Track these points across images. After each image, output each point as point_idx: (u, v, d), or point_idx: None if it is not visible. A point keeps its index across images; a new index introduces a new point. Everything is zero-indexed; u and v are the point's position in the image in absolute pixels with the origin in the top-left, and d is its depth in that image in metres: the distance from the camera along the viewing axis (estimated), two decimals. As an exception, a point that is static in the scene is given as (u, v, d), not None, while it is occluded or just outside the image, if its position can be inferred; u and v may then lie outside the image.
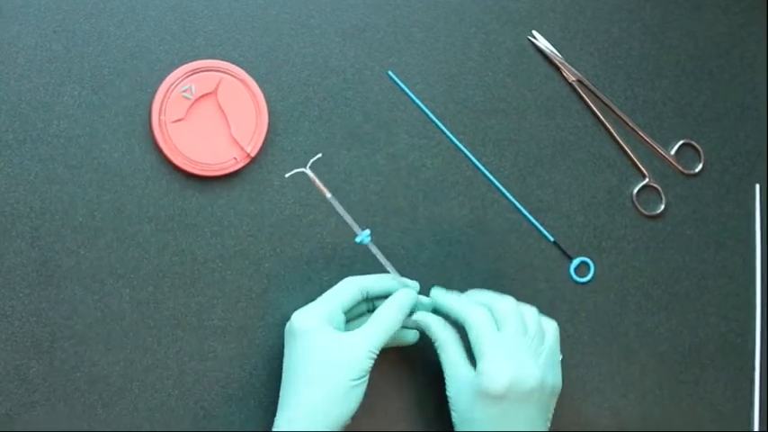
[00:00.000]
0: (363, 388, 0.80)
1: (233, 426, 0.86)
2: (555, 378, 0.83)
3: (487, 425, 0.79)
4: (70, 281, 0.84)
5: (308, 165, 0.81)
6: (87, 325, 0.84)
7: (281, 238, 0.88)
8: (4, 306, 0.83)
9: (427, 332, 0.84)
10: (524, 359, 0.80)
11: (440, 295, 0.84)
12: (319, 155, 0.83)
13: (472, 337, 0.81)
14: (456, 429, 0.82)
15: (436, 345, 0.83)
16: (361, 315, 0.86)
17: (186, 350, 0.86)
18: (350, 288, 0.83)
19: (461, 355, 0.82)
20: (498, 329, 0.81)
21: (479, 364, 0.80)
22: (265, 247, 0.87)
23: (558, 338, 0.84)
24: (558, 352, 0.84)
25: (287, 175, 0.81)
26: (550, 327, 0.84)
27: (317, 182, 0.81)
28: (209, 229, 0.86)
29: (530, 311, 0.83)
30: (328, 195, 0.81)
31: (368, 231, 0.82)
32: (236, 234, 0.87)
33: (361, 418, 0.82)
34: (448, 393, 0.82)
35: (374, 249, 0.82)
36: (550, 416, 0.83)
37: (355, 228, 0.82)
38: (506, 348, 0.80)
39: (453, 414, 0.82)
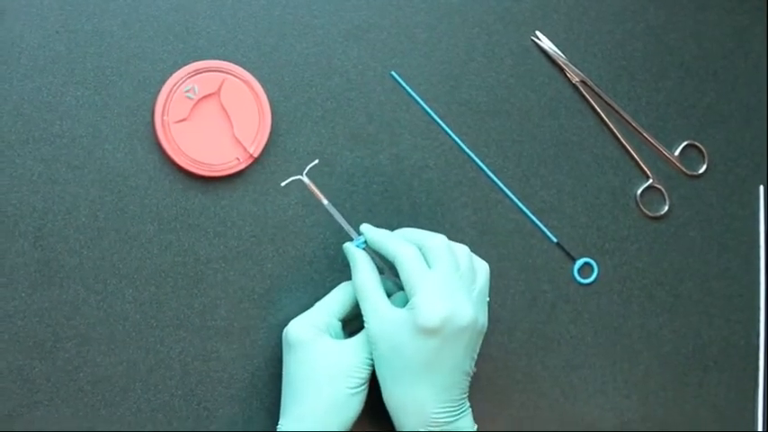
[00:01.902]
0: (364, 395, 0.80)
1: (236, 426, 0.86)
2: (484, 317, 0.81)
3: (416, 362, 0.78)
4: (73, 281, 0.84)
5: (305, 171, 0.81)
6: (90, 325, 0.84)
7: (284, 238, 0.88)
8: (7, 306, 0.83)
9: (351, 264, 0.82)
10: (457, 295, 0.78)
11: (370, 231, 0.83)
12: (316, 161, 0.83)
13: (404, 274, 0.79)
14: (379, 370, 0.80)
15: (355, 280, 0.81)
16: (358, 316, 0.86)
17: (189, 351, 0.86)
18: (345, 293, 0.83)
19: (383, 294, 0.80)
20: (430, 267, 0.79)
21: (412, 300, 0.77)
22: (268, 248, 0.87)
23: (489, 279, 0.83)
24: (488, 292, 0.82)
25: (282, 184, 0.82)
26: (482, 267, 0.83)
27: (314, 189, 0.81)
28: (211, 229, 0.86)
29: (461, 250, 0.81)
30: (325, 202, 0.82)
31: (363, 237, 0.82)
32: (238, 234, 0.87)
33: (361, 419, 0.82)
34: (370, 333, 0.80)
35: (370, 254, 0.82)
36: (476, 356, 0.81)
37: (351, 233, 0.83)
38: (439, 284, 0.78)
39: (375, 353, 0.80)
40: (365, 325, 0.80)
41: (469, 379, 0.81)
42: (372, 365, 0.80)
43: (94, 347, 0.84)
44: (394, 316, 0.79)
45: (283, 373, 0.82)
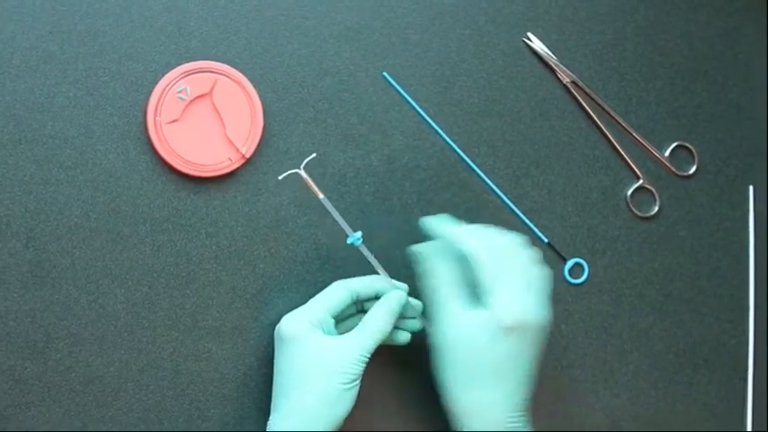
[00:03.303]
0: (355, 391, 0.80)
1: (228, 426, 0.86)
2: (547, 320, 0.82)
3: (490, 363, 0.78)
4: (65, 281, 0.84)
5: (302, 165, 0.81)
6: (82, 325, 0.84)
7: (276, 238, 0.88)
8: (-1, 306, 0.83)
9: (420, 263, 0.82)
10: (532, 295, 0.79)
11: (441, 225, 0.83)
12: (313, 155, 0.83)
13: (479, 271, 0.79)
14: (444, 374, 0.80)
15: (428, 284, 0.81)
16: (350, 316, 0.86)
17: (181, 351, 0.86)
18: (339, 291, 0.83)
19: (461, 296, 0.80)
20: (503, 266, 0.79)
21: (489, 299, 0.78)
22: (260, 248, 0.87)
23: (550, 286, 0.83)
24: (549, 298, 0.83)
25: (280, 177, 0.81)
26: (546, 272, 0.83)
27: (311, 183, 0.81)
28: (203, 229, 0.86)
29: (532, 251, 0.82)
30: (321, 196, 0.81)
31: (359, 233, 0.82)
32: (230, 235, 0.87)
33: (356, 418, 0.82)
34: (441, 335, 0.80)
35: (365, 251, 0.82)
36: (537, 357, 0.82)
37: (347, 229, 0.83)
38: (516, 283, 0.79)
39: (444, 357, 0.80)
40: (435, 331, 0.80)
41: (532, 381, 0.81)
42: (366, 362, 0.80)
43: (86, 347, 0.84)
44: (471, 318, 0.79)
45: (275, 368, 0.82)
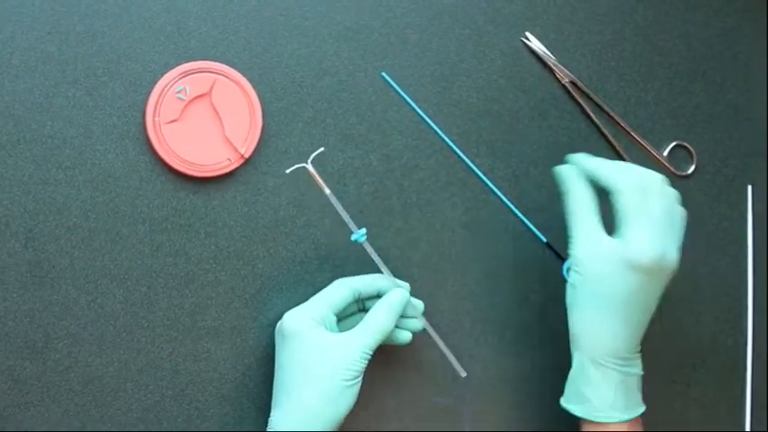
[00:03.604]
0: (357, 388, 0.80)
1: (227, 426, 0.86)
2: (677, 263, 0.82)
3: (617, 294, 0.79)
4: (64, 281, 0.84)
5: (309, 160, 0.81)
6: (81, 325, 0.84)
7: (275, 238, 0.88)
8: (-2, 307, 0.83)
9: (562, 186, 0.83)
10: (669, 237, 0.80)
11: (584, 159, 0.83)
12: (321, 149, 0.83)
13: (622, 206, 0.79)
14: (571, 294, 0.82)
15: (570, 204, 0.82)
16: (352, 315, 0.87)
17: (180, 351, 0.86)
18: (341, 289, 0.83)
19: (598, 220, 0.81)
20: (647, 203, 0.79)
21: (628, 233, 0.78)
22: (259, 248, 0.87)
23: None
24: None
25: (287, 171, 0.81)
26: (683, 213, 0.83)
27: (317, 177, 0.81)
28: (202, 229, 0.87)
29: (675, 194, 0.82)
30: (327, 191, 0.81)
31: (364, 230, 0.82)
32: (229, 235, 0.87)
33: (357, 417, 0.82)
34: (574, 254, 0.81)
35: (369, 248, 0.82)
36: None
37: (352, 225, 0.82)
38: (655, 223, 0.79)
39: (574, 276, 0.81)
40: (571, 247, 0.81)
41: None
42: (368, 360, 0.80)
43: (85, 348, 0.84)
44: (606, 244, 0.79)
45: (276, 364, 0.82)
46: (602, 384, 0.81)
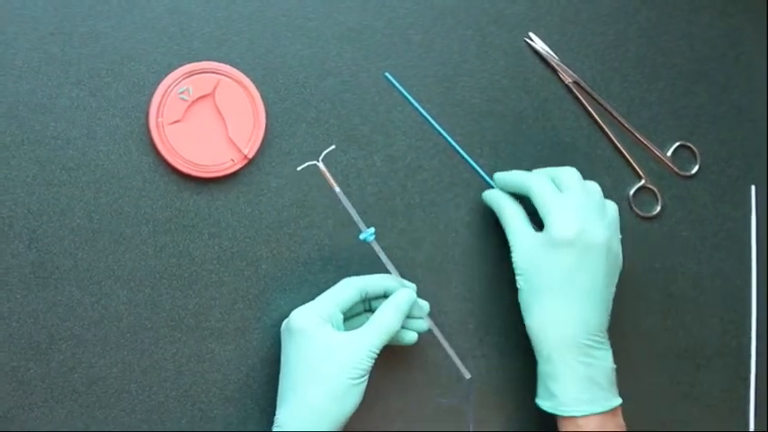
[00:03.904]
0: (363, 387, 0.80)
1: (230, 427, 0.86)
2: (618, 249, 0.86)
3: (555, 277, 0.82)
4: (68, 282, 0.84)
5: (321, 157, 0.81)
6: (85, 326, 0.84)
7: (279, 239, 0.88)
8: (2, 308, 0.83)
9: (493, 207, 0.89)
10: (589, 215, 0.83)
11: (502, 175, 0.89)
12: (332, 146, 0.83)
13: (538, 201, 0.84)
14: (522, 299, 0.85)
15: (502, 219, 0.87)
16: (358, 315, 0.86)
17: (184, 352, 0.86)
18: (348, 288, 0.83)
19: (526, 220, 0.86)
20: (562, 192, 0.84)
21: (547, 220, 0.83)
22: (263, 249, 0.87)
23: (618, 217, 0.87)
24: (618, 229, 0.87)
25: (299, 168, 0.81)
26: (612, 203, 0.87)
27: (328, 175, 0.81)
28: (206, 230, 0.86)
29: (593, 184, 0.86)
30: (337, 189, 0.81)
31: (372, 229, 0.82)
32: (233, 235, 0.87)
33: (360, 418, 0.82)
34: (514, 260, 0.85)
35: (377, 247, 0.82)
36: (614, 289, 0.85)
37: (361, 224, 0.82)
38: (571, 204, 0.83)
39: (519, 280, 0.85)
40: (512, 256, 0.85)
41: (609, 313, 0.84)
42: (375, 358, 0.80)
43: (89, 349, 0.84)
44: (534, 237, 0.84)
45: (282, 362, 0.82)
46: (565, 378, 0.82)
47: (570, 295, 0.82)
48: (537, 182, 0.85)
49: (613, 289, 0.85)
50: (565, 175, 0.86)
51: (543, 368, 0.84)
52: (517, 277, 0.85)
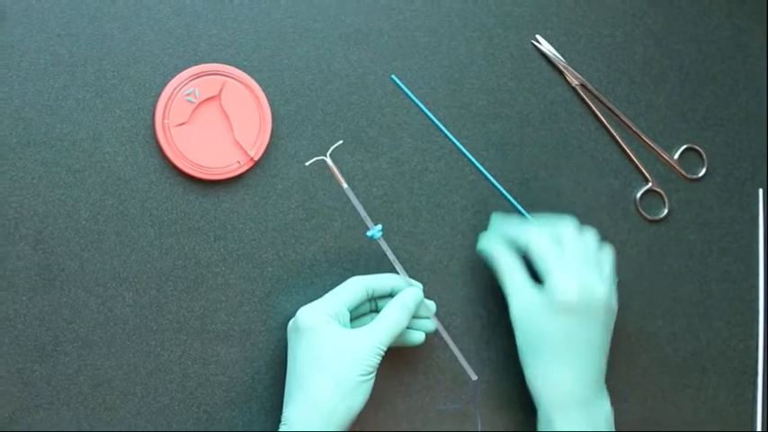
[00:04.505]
0: (371, 384, 0.80)
1: (235, 429, 0.86)
2: (614, 298, 0.86)
3: (556, 340, 0.82)
4: (73, 284, 0.84)
5: (328, 153, 0.81)
6: (90, 329, 0.84)
7: (284, 241, 0.88)
8: (8, 310, 0.83)
9: (489, 260, 0.87)
10: (590, 275, 0.83)
11: (500, 221, 0.88)
12: (340, 142, 0.84)
13: (536, 257, 0.84)
14: (521, 352, 0.85)
15: (499, 271, 0.86)
16: (364, 315, 0.86)
17: (189, 354, 0.86)
18: (355, 286, 0.83)
19: (525, 277, 0.85)
20: (561, 250, 0.84)
21: (548, 280, 0.82)
22: (268, 251, 0.87)
23: (614, 263, 0.87)
24: (614, 276, 0.86)
25: (307, 163, 0.82)
26: (608, 251, 0.87)
27: (335, 171, 0.81)
28: (212, 232, 0.86)
29: (590, 234, 0.86)
30: (345, 186, 0.81)
31: (380, 226, 0.82)
32: (239, 238, 0.87)
33: (368, 419, 0.82)
34: (513, 316, 0.85)
35: (384, 245, 0.82)
36: (610, 338, 0.85)
37: (368, 222, 0.82)
38: (571, 264, 0.83)
39: (518, 335, 0.85)
40: (509, 308, 0.85)
41: (606, 360, 0.85)
42: (381, 356, 0.80)
43: (95, 351, 0.84)
44: (533, 297, 0.83)
45: (289, 360, 0.82)
46: None
47: (570, 355, 0.83)
48: (536, 239, 0.84)
49: (610, 337, 0.85)
50: (563, 229, 0.85)
51: (545, 425, 0.84)
52: (516, 332, 0.85)
